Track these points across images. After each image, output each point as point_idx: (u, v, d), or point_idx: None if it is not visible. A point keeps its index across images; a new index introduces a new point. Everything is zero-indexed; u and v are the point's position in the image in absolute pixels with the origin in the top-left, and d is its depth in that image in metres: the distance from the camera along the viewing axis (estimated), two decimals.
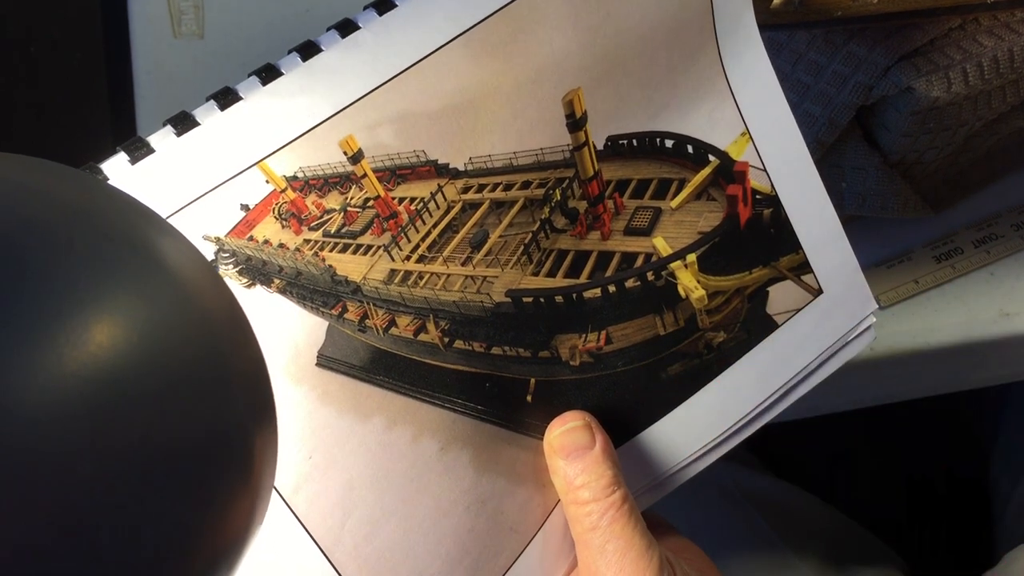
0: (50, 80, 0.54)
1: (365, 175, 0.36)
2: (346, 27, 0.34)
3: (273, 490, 0.35)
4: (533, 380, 0.40)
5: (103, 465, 0.20)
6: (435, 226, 0.38)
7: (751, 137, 0.42)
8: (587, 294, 0.40)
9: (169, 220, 0.33)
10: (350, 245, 0.37)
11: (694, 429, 0.43)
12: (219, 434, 0.23)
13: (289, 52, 0.34)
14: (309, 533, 0.36)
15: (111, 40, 0.53)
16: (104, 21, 0.53)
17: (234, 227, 0.34)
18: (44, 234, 0.21)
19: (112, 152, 0.32)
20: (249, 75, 0.33)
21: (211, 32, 0.54)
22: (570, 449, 0.40)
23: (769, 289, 0.44)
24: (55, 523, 0.19)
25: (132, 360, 0.21)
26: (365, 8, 0.34)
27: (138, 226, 0.24)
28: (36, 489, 0.19)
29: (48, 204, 0.22)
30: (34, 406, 0.19)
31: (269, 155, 0.34)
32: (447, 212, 0.39)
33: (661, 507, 0.45)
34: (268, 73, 0.33)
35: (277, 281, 0.36)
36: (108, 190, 0.25)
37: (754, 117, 0.42)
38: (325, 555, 0.36)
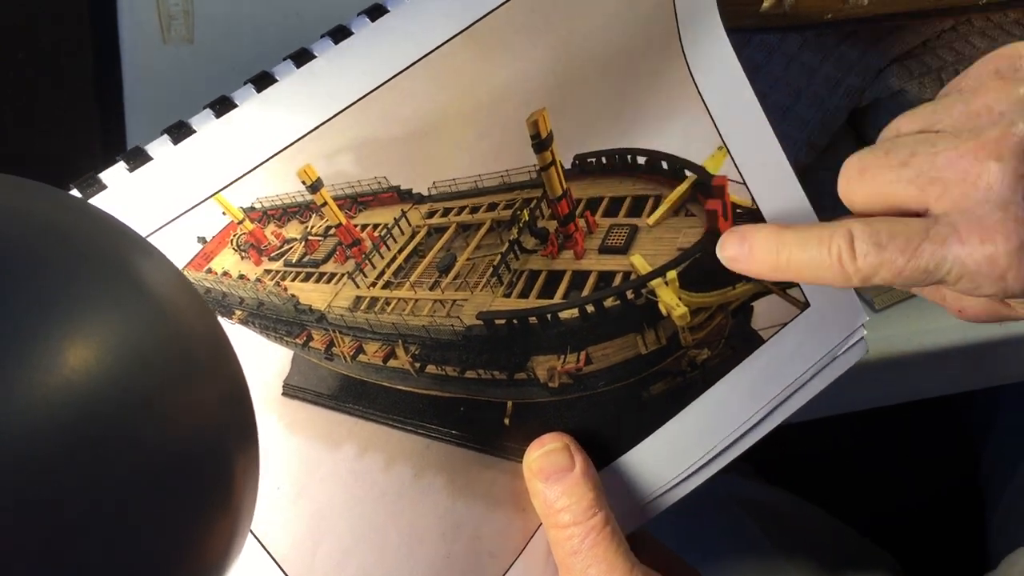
0: (39, 85, 0.53)
1: (325, 203, 0.36)
2: (302, 57, 0.34)
3: None
4: (510, 403, 0.40)
5: (76, 492, 0.20)
6: (400, 251, 0.38)
7: (728, 151, 0.42)
8: (564, 314, 0.40)
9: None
10: (313, 274, 0.37)
11: (679, 449, 0.42)
12: (198, 457, 0.22)
13: (244, 83, 0.33)
14: (278, 564, 0.36)
15: (100, 46, 0.53)
16: (93, 26, 0.52)
17: (191, 260, 0.34)
18: (16, 253, 0.21)
19: (94, 165, 0.32)
20: (203, 108, 0.33)
21: (201, 38, 0.53)
22: (549, 472, 0.39)
23: (754, 304, 0.43)
24: (25, 551, 0.19)
25: (107, 385, 0.20)
26: (322, 36, 0.34)
27: (116, 245, 0.23)
28: (6, 517, 0.19)
29: (21, 222, 0.22)
30: (4, 433, 0.19)
31: (225, 187, 0.34)
32: (412, 237, 0.38)
33: None
34: (221, 105, 0.33)
35: (239, 312, 0.35)
36: (85, 208, 0.25)
37: (730, 130, 0.41)
38: None
